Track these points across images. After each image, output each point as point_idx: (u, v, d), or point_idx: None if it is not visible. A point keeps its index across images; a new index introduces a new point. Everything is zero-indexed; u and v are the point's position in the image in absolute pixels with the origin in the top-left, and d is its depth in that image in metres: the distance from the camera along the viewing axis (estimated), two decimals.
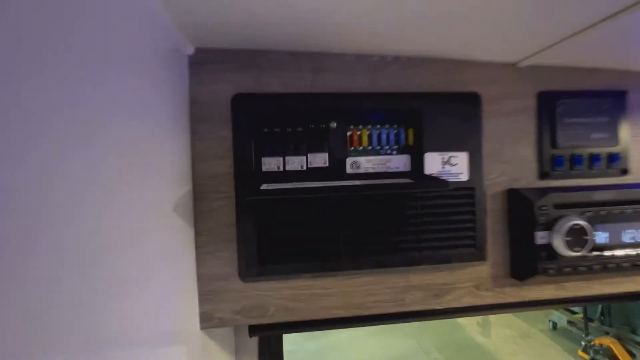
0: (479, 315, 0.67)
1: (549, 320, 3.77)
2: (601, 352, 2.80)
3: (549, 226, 0.59)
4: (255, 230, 0.54)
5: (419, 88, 0.60)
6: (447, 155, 0.58)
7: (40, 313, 0.22)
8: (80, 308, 0.26)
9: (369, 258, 0.56)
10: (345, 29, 0.51)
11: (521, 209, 0.61)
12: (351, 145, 0.58)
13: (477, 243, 0.59)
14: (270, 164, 0.56)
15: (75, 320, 0.26)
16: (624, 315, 2.89)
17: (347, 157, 0.58)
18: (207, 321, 0.56)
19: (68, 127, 0.26)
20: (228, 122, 0.55)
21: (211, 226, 0.56)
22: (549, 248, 0.59)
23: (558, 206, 0.59)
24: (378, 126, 0.60)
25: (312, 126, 0.56)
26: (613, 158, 0.64)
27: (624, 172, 0.65)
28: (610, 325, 2.95)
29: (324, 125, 0.56)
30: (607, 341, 2.85)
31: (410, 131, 0.59)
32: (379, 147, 0.60)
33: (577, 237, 0.57)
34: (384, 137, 0.58)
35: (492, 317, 3.86)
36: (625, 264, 0.60)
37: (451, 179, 0.58)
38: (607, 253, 0.60)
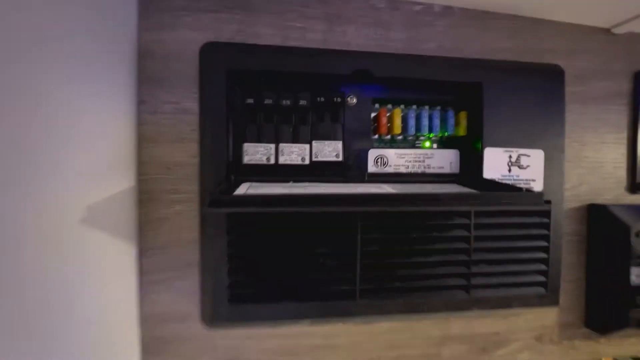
0: None
1: None
2: None
3: None
4: (227, 252, 0.35)
5: (478, 54, 0.41)
6: (515, 152, 0.40)
7: None
8: None
9: (396, 299, 0.38)
10: None
11: (609, 234, 0.43)
12: (376, 132, 0.40)
13: (548, 281, 0.41)
14: (257, 153, 0.38)
15: None
16: None
17: (370, 148, 0.40)
18: None
19: None
20: (194, 88, 0.36)
21: (163, 243, 0.37)
22: None
23: None
24: (416, 106, 0.41)
25: (322, 100, 0.37)
26: None
27: None
28: None
29: (338, 100, 0.38)
30: None
31: (463, 115, 0.41)
32: (414, 137, 0.41)
33: None
34: (424, 121, 0.40)
35: None
36: None
37: None
38: None
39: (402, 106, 0.41)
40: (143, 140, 0.37)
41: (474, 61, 0.40)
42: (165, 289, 0.37)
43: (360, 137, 0.39)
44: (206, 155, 0.36)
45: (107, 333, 0.33)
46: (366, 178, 0.39)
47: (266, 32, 0.38)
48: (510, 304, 0.40)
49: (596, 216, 0.44)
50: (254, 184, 0.36)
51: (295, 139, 0.38)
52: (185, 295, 0.38)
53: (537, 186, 0.40)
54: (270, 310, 0.36)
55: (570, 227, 0.45)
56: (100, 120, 0.32)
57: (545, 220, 0.40)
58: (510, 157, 0.40)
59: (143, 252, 0.37)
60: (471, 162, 0.40)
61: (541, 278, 0.41)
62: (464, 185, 0.39)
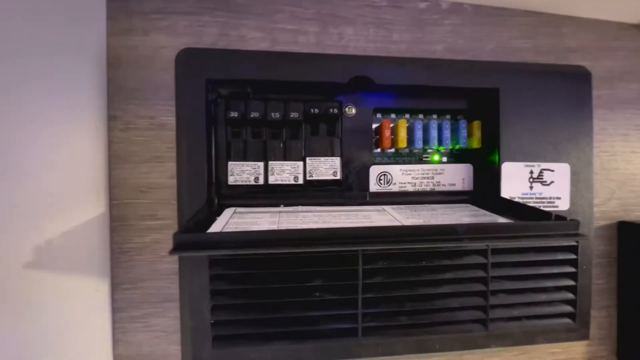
0: None
1: None
2: None
3: None
4: (209, 287, 0.31)
5: (492, 56, 0.37)
6: (537, 167, 0.35)
7: None
8: None
9: (403, 337, 0.33)
10: None
11: None
12: (379, 146, 0.35)
13: (577, 312, 0.36)
14: (243, 173, 0.33)
15: None
16: None
17: (371, 164, 0.35)
18: None
19: None
20: (171, 101, 0.32)
21: (139, 275, 0.33)
22: None
23: None
24: (422, 116, 0.37)
25: (316, 111, 0.33)
26: None
27: None
28: None
29: (334, 110, 0.33)
30: None
31: (476, 125, 0.36)
32: (422, 150, 0.37)
33: None
34: (432, 133, 0.35)
35: None
36: None
37: (543, 208, 0.35)
38: None
39: (407, 116, 0.36)
40: (114, 161, 0.32)
41: (488, 64, 0.36)
42: (141, 328, 0.33)
43: (361, 152, 0.35)
44: (185, 176, 0.32)
45: None
46: (367, 198, 0.35)
47: (252, 36, 0.34)
48: (534, 339, 0.35)
49: (627, 235, 0.39)
50: (239, 209, 0.31)
51: (286, 156, 0.33)
52: (163, 334, 0.33)
53: (563, 205, 0.35)
54: (261, 354, 0.32)
55: (599, 248, 0.40)
56: (63, 139, 0.27)
57: (572, 244, 0.35)
58: (531, 172, 0.35)
59: (116, 287, 0.33)
60: (487, 179, 0.36)
61: (569, 308, 0.36)
62: (479, 206, 0.34)
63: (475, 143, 0.36)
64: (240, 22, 0.34)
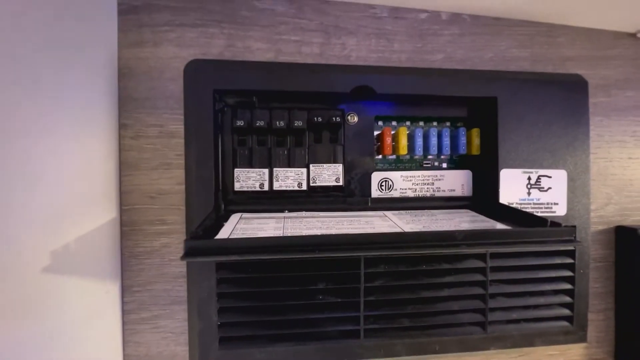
0: None
1: None
2: None
3: None
4: (216, 290, 0.32)
5: (491, 65, 0.38)
6: (535, 173, 0.36)
7: None
8: None
9: (404, 339, 0.34)
10: None
11: (639, 259, 0.39)
12: (380, 153, 0.36)
13: (575, 315, 0.37)
14: (249, 179, 0.34)
15: None
16: None
17: (373, 171, 0.36)
18: None
19: None
20: (180, 110, 0.33)
21: (149, 278, 0.34)
22: None
23: None
24: (423, 123, 0.38)
25: (319, 120, 0.34)
26: None
27: None
28: None
29: (337, 119, 0.34)
30: None
31: (475, 133, 0.37)
32: (422, 157, 0.38)
33: None
34: (432, 140, 0.36)
35: None
36: None
37: (541, 213, 0.36)
38: None
39: (408, 123, 0.37)
40: (125, 168, 0.34)
41: (487, 73, 0.37)
42: (150, 329, 0.34)
43: (363, 159, 0.36)
44: (193, 182, 0.33)
45: None
46: (369, 204, 0.36)
47: (258, 47, 0.35)
48: (532, 341, 0.36)
49: (624, 239, 0.40)
50: (245, 214, 0.32)
51: (290, 163, 0.35)
52: (171, 335, 0.34)
53: (560, 210, 0.36)
54: (266, 355, 0.33)
55: (597, 252, 0.41)
56: (77, 148, 0.29)
57: (569, 248, 0.36)
58: (529, 178, 0.36)
59: (126, 289, 0.34)
60: (485, 185, 0.37)
61: (566, 312, 0.37)
62: (478, 211, 0.35)
63: (475, 150, 0.37)
64: (246, 33, 0.35)
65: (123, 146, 0.34)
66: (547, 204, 0.36)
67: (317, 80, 0.33)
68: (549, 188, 0.36)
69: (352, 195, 0.36)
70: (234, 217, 0.31)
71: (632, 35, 0.41)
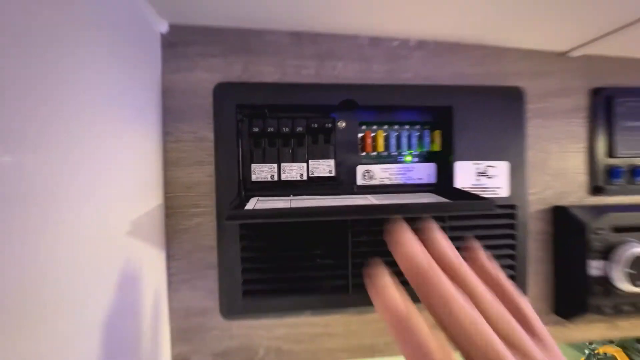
0: None
1: None
2: None
3: (606, 254, 0.47)
4: (240, 255, 0.43)
5: (449, 80, 0.48)
6: (483, 164, 0.47)
7: None
8: None
9: None
10: (358, 2, 0.39)
11: (570, 231, 0.49)
12: (363, 150, 0.47)
13: (516, 274, 0.48)
14: (262, 172, 0.45)
15: None
16: None
17: (358, 164, 0.47)
18: None
19: None
20: (209, 120, 0.44)
21: (187, 249, 0.45)
22: (604, 281, 0.48)
23: (619, 229, 0.48)
24: (397, 127, 0.48)
25: (316, 126, 0.45)
26: None
27: None
28: None
29: (329, 125, 0.45)
30: (612, 350, 2.73)
31: (437, 134, 0.47)
32: (397, 153, 0.48)
33: None
34: (404, 140, 0.47)
35: None
36: None
37: (487, 195, 0.47)
38: None
39: (386, 127, 0.48)
40: (168, 165, 0.44)
41: (445, 87, 0.47)
42: (189, 288, 0.45)
43: (350, 155, 0.46)
44: (220, 175, 0.43)
45: (142, 324, 0.40)
46: (355, 190, 0.46)
47: (267, 70, 0.46)
48: None
49: (559, 216, 0.51)
50: (261, 198, 0.43)
51: (294, 159, 0.45)
52: (206, 292, 0.45)
53: (503, 193, 0.47)
54: (278, 303, 0.43)
55: (539, 227, 0.51)
56: (135, 149, 0.39)
57: (510, 221, 0.47)
58: (478, 168, 0.46)
59: (170, 257, 0.45)
60: (445, 174, 0.47)
61: (509, 272, 0.47)
62: (439, 194, 0.45)
63: (437, 147, 0.47)
64: (258, 59, 0.45)
65: (166, 148, 0.44)
66: (492, 188, 0.47)
67: (313, 96, 0.44)
68: (494, 176, 0.47)
69: (342, 183, 0.46)
70: (253, 200, 0.42)
71: (564, 54, 0.51)
